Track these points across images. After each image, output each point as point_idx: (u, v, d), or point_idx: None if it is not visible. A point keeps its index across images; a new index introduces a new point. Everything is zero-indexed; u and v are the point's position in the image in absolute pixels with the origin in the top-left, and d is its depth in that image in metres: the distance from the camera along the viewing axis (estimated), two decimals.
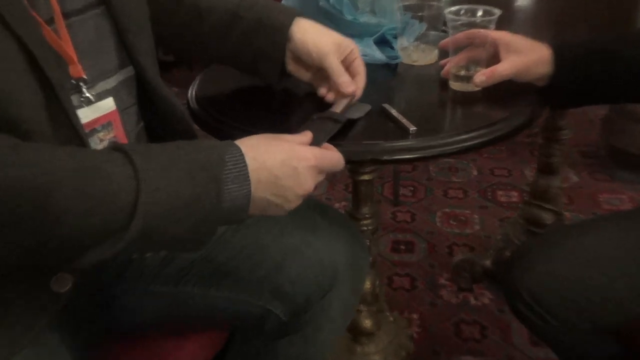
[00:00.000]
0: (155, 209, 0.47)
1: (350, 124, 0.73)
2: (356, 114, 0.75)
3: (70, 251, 0.47)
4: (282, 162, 0.55)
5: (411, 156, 0.70)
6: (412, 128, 0.71)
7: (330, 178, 1.99)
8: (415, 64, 0.97)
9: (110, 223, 0.46)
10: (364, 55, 0.81)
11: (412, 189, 2.01)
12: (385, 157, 0.69)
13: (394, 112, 0.76)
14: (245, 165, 0.53)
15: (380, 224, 1.17)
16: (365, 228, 1.02)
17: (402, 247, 1.70)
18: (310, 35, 0.75)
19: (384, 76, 0.92)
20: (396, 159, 0.70)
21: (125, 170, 0.47)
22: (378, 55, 0.96)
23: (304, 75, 0.80)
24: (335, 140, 0.69)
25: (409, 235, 1.76)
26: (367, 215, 1.01)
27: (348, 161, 0.65)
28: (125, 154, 0.49)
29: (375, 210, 1.02)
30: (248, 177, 0.53)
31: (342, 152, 0.64)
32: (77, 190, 0.45)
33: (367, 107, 0.77)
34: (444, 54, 0.91)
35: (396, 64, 0.96)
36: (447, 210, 1.88)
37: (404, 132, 0.72)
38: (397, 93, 0.89)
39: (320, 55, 0.75)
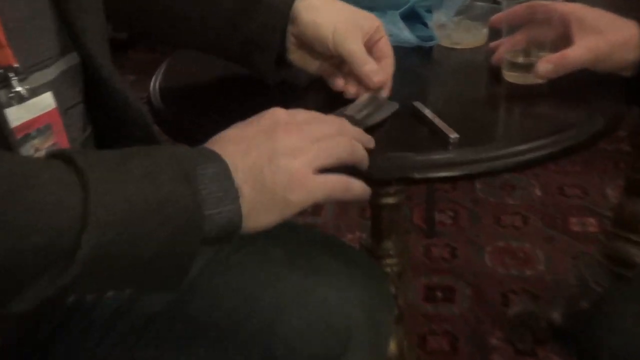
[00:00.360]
0: (110, 217, 0.49)
1: (369, 129, 0.72)
2: (378, 115, 0.76)
3: (6, 285, 0.48)
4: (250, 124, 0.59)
5: (452, 174, 0.70)
6: (453, 135, 0.72)
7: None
8: (456, 47, 0.97)
9: (57, 241, 0.47)
10: (387, 35, 0.82)
11: (452, 214, 2.02)
12: (416, 175, 0.70)
13: (428, 112, 0.76)
14: (221, 157, 0.56)
15: (409, 263, 1.15)
16: (389, 269, 1.03)
17: (439, 294, 1.71)
18: (323, 14, 0.76)
19: (414, 64, 0.93)
20: (432, 177, 0.71)
21: (68, 176, 0.49)
22: (406, 35, 0.97)
23: (311, 65, 0.82)
24: None
25: (448, 278, 1.77)
26: (391, 252, 1.03)
27: (367, 180, 0.65)
28: (66, 158, 0.50)
29: (403, 244, 1.04)
30: (224, 161, 0.56)
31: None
32: (11, 202, 0.46)
33: (393, 106, 0.78)
34: (495, 33, 0.91)
35: (431, 47, 0.97)
36: (499, 243, 1.89)
37: (442, 141, 0.72)
38: (432, 87, 0.89)
39: (338, 40, 0.76)
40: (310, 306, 0.70)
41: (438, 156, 0.71)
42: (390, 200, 0.98)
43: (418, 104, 0.78)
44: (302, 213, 0.60)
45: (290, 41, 0.80)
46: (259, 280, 0.73)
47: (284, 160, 0.57)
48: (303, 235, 0.80)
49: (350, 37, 0.76)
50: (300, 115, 0.62)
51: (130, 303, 0.74)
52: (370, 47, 0.78)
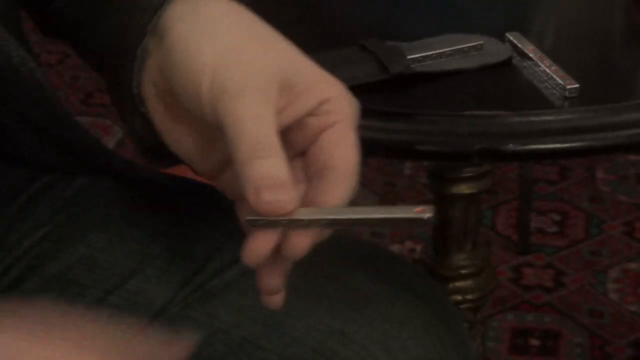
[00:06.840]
0: None
1: (435, 76, 0.67)
2: (470, 60, 0.69)
3: None
4: None
5: (567, 145, 0.64)
6: (571, 85, 0.66)
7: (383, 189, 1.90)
8: None
9: None
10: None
11: (557, 217, 1.83)
12: (511, 147, 0.63)
13: (530, 50, 0.70)
14: None
15: (491, 291, 1.06)
16: (460, 299, 0.95)
17: (535, 342, 1.54)
18: (210, 34, 0.51)
19: None
20: (535, 150, 0.65)
21: None
22: None
23: (182, 135, 0.53)
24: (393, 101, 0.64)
25: (549, 317, 1.59)
26: (463, 272, 0.95)
27: (428, 155, 0.68)
28: None
29: (482, 261, 0.96)
30: None
31: (414, 134, 0.61)
32: None
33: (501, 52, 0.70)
34: None
35: None
36: (631, 266, 1.71)
37: (552, 93, 0.66)
38: (535, 10, 0.82)
39: (217, 92, 0.48)
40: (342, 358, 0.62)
41: (546, 117, 0.65)
42: (464, 189, 0.88)
43: (514, 36, 0.71)
44: None
45: (146, 80, 0.55)
46: (256, 317, 0.64)
47: None
48: (328, 244, 0.67)
49: (247, 93, 0.48)
50: None
51: None
52: (307, 135, 0.48)
